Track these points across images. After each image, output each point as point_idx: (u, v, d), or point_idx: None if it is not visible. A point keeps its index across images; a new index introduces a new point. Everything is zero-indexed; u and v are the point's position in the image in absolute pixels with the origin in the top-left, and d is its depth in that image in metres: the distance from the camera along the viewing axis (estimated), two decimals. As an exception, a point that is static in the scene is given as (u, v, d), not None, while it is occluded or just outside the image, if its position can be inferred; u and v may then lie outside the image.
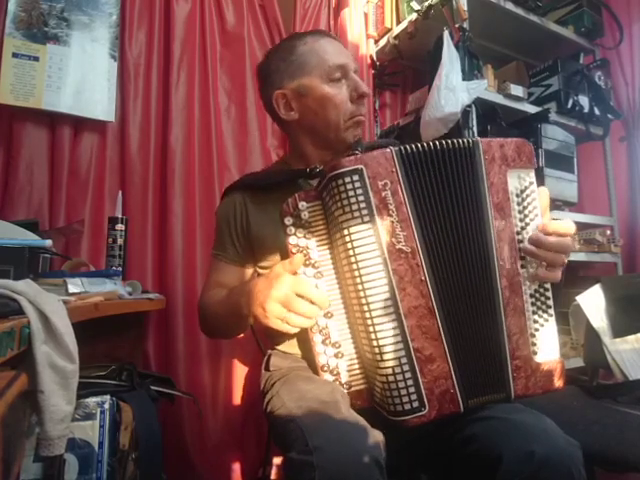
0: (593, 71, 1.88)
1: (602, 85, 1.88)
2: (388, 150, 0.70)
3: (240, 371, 1.54)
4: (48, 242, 0.87)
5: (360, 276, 0.67)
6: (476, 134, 1.52)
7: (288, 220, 0.73)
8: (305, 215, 0.73)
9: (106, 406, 0.84)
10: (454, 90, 1.43)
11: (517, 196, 0.73)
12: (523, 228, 0.73)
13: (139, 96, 1.52)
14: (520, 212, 0.73)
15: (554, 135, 1.70)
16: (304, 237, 0.73)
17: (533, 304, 0.74)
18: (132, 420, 0.90)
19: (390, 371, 0.66)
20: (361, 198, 0.67)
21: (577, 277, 1.80)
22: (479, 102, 1.54)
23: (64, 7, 1.40)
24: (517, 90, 1.66)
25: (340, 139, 0.96)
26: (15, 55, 1.33)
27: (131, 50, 1.52)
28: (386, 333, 0.66)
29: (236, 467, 1.50)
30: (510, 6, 1.70)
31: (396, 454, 0.71)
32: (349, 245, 0.68)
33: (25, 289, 0.56)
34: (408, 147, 0.71)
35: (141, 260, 1.45)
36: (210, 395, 1.48)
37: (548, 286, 0.74)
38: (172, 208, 1.50)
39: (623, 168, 1.98)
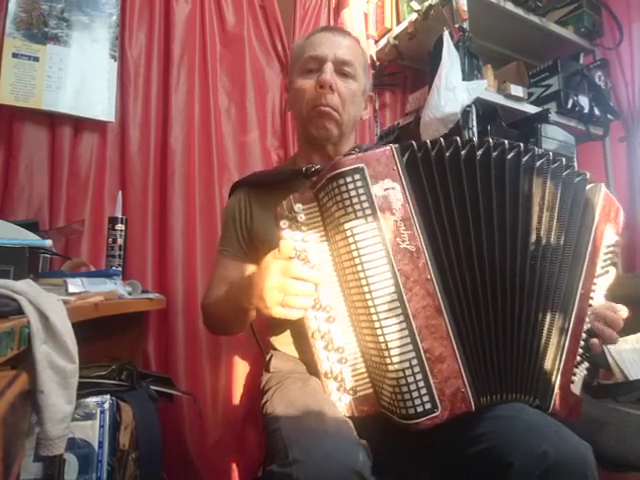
0: (593, 71, 1.89)
1: (602, 85, 1.88)
2: (388, 148, 0.68)
3: (240, 371, 1.54)
4: (48, 242, 0.88)
5: (366, 277, 0.64)
6: (476, 134, 1.52)
7: (284, 223, 0.70)
8: (301, 217, 0.70)
9: (106, 406, 0.84)
10: (454, 90, 1.43)
11: (606, 247, 0.83)
12: (600, 275, 0.81)
13: (139, 96, 1.52)
14: (603, 261, 0.82)
15: (554, 135, 1.70)
16: (302, 240, 0.70)
17: (584, 341, 0.78)
18: (132, 420, 0.90)
19: (401, 374, 0.63)
20: (363, 198, 0.65)
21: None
22: (479, 102, 1.54)
23: (64, 7, 1.40)
24: (517, 90, 1.66)
25: (307, 132, 0.94)
26: (15, 55, 1.33)
27: (131, 50, 1.52)
28: (394, 335, 0.64)
29: (236, 467, 1.50)
30: (510, 6, 1.70)
31: (395, 453, 0.70)
32: (352, 246, 0.65)
33: (25, 289, 0.56)
34: (411, 144, 0.69)
35: (141, 260, 1.45)
36: (210, 395, 1.48)
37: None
38: (172, 208, 1.49)
39: (623, 168, 1.98)
